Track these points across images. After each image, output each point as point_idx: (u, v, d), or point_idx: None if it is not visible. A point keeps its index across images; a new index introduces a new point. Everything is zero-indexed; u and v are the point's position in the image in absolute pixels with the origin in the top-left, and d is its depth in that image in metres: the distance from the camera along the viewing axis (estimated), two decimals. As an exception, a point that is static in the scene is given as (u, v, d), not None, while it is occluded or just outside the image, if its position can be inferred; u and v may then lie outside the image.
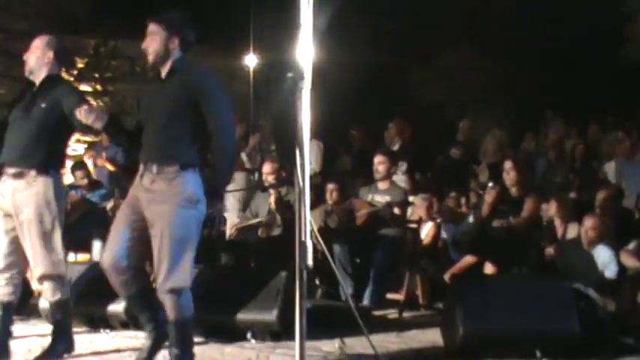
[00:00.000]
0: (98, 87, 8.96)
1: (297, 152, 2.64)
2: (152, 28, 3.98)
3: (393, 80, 10.78)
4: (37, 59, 4.50)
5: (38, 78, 4.51)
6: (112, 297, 5.01)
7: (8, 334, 4.44)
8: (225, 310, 4.98)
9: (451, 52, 11.97)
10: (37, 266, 4.36)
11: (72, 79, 8.80)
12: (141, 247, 3.93)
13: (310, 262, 2.73)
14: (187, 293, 3.89)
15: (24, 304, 6.15)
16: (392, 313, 6.14)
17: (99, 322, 5.43)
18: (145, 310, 4.09)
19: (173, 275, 3.81)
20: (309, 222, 2.66)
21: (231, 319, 4.94)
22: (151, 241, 3.86)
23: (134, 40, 8.44)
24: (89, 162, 8.16)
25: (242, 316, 4.93)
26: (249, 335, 4.94)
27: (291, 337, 4.08)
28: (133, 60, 9.00)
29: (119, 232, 3.97)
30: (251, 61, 11.06)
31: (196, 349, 4.04)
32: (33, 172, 4.32)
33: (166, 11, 4.06)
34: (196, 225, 3.91)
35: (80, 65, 8.76)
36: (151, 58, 3.98)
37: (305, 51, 2.72)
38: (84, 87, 8.19)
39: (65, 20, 8.56)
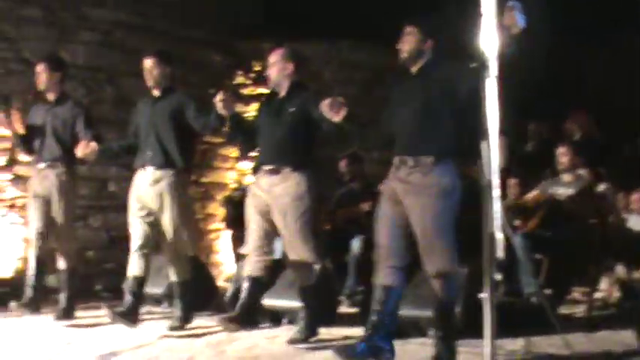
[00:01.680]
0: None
1: (484, 144, 2.59)
2: (408, 29, 4.24)
3: (572, 68, 10.34)
4: (278, 72, 5.03)
5: (283, 88, 5.05)
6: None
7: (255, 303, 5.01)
8: (405, 306, 4.92)
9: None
10: (288, 252, 4.95)
11: (249, 82, 9.08)
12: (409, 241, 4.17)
13: (501, 254, 2.67)
14: (453, 277, 4.10)
15: (211, 300, 6.54)
16: (578, 312, 5.91)
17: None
18: None
19: (440, 260, 4.03)
20: (498, 214, 2.60)
21: (413, 315, 4.99)
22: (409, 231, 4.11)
23: (307, 43, 8.68)
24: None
25: (424, 313, 4.92)
26: (430, 333, 4.89)
27: (473, 335, 4.49)
28: (308, 62, 9.14)
29: (389, 234, 4.19)
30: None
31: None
32: (288, 169, 4.88)
33: (423, 15, 4.33)
34: (453, 213, 4.10)
35: (257, 68, 9.00)
36: (404, 56, 4.24)
37: (488, 40, 2.66)
38: (262, 90, 8.40)
39: (241, 25, 8.84)
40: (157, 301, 6.60)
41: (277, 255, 7.39)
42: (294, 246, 4.90)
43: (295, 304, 5.46)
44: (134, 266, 5.50)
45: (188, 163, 5.59)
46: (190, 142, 5.66)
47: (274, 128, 4.98)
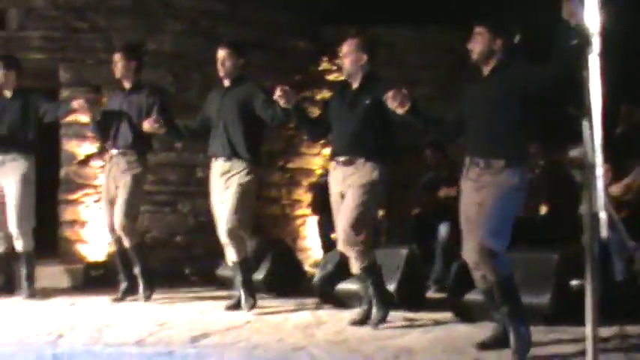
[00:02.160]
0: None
1: (585, 124, 2.52)
2: (478, 29, 4.20)
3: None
4: (352, 63, 5.04)
5: (356, 79, 5.05)
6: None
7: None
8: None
9: None
10: (343, 239, 4.98)
11: (334, 68, 9.06)
12: None
13: (605, 234, 2.59)
14: (502, 256, 4.03)
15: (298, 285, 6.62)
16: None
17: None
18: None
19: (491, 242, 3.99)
20: (601, 194, 2.53)
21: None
22: None
23: (391, 28, 8.62)
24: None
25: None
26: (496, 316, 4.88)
27: (564, 322, 4.65)
28: (392, 47, 9.06)
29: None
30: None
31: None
32: (362, 160, 4.93)
33: (494, 15, 4.30)
34: (514, 206, 4.10)
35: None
36: (474, 57, 4.22)
37: (591, 16, 2.58)
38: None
39: (325, 11, 8.81)
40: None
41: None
42: (347, 231, 4.91)
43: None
44: (227, 254, 5.70)
45: (255, 155, 5.67)
46: (259, 134, 5.73)
47: (348, 120, 5.02)
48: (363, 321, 5.03)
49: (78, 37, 7.77)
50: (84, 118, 7.10)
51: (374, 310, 5.03)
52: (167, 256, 7.64)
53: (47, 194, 7.61)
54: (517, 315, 4.05)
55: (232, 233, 5.59)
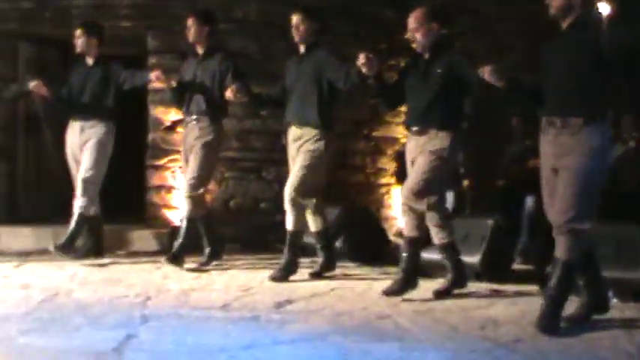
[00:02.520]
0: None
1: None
2: None
3: None
4: (423, 34, 4.98)
5: (428, 49, 4.99)
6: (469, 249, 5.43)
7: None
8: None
9: None
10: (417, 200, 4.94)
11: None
12: None
13: None
14: (582, 238, 3.94)
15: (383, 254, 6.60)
16: None
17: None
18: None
19: (574, 217, 3.90)
20: None
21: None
22: None
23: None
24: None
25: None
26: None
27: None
28: (477, 14, 8.86)
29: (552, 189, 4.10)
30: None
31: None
32: (434, 130, 4.90)
33: None
34: (598, 175, 3.98)
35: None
36: (552, 12, 4.08)
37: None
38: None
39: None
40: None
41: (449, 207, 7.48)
42: (408, 195, 4.91)
43: (467, 258, 5.45)
44: (286, 220, 5.73)
45: (327, 122, 5.62)
46: (333, 101, 5.67)
47: (420, 91, 4.99)
48: (447, 292, 4.98)
49: (166, 4, 7.83)
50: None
51: (450, 281, 5.01)
52: (251, 222, 7.71)
53: (135, 160, 7.78)
54: (560, 300, 3.99)
55: (293, 201, 5.63)
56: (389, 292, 4.90)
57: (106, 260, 6.46)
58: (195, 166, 6.11)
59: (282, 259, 5.70)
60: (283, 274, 5.58)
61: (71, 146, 6.63)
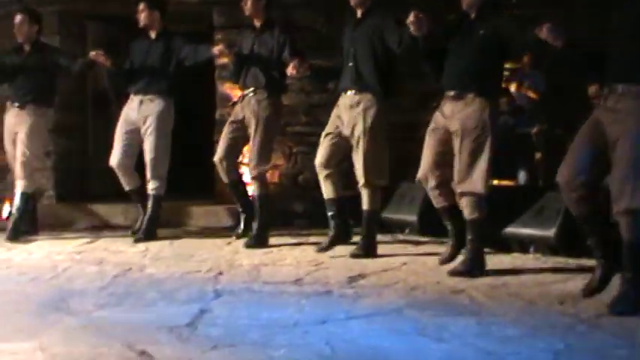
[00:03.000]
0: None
1: None
2: None
3: None
4: None
5: (474, 9, 4.80)
6: (544, 222, 5.36)
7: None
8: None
9: None
10: (458, 181, 4.73)
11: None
12: (599, 167, 3.88)
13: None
14: None
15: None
16: None
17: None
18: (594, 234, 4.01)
19: (631, 196, 3.66)
20: None
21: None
22: (611, 163, 3.79)
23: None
24: (511, 88, 8.11)
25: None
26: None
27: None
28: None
29: (579, 149, 3.95)
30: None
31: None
32: (472, 95, 4.65)
33: None
34: None
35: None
36: None
37: None
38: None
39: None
40: (400, 228, 6.61)
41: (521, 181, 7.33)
42: (464, 176, 4.69)
43: (543, 232, 5.34)
44: (323, 189, 5.67)
45: (387, 87, 5.45)
46: (391, 66, 5.49)
47: (461, 52, 4.78)
48: None
49: (230, -21, 7.80)
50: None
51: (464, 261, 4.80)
52: (319, 197, 7.66)
53: (204, 136, 7.79)
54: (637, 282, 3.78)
55: (366, 181, 5.45)
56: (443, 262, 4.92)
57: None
58: (257, 144, 6.06)
59: (361, 239, 5.55)
60: (363, 253, 5.46)
61: (126, 120, 6.56)
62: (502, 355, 3.04)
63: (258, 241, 5.98)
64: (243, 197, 6.39)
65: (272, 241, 6.09)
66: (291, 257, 5.48)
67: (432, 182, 4.89)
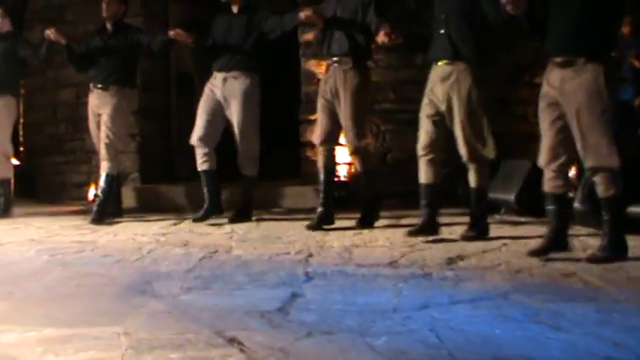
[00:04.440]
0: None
1: None
2: None
3: None
4: None
5: None
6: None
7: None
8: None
9: None
10: (586, 157, 4.23)
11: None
12: None
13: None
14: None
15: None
16: None
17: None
18: None
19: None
20: None
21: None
22: None
23: None
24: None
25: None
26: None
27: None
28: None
29: None
30: None
31: None
32: (582, 60, 4.19)
33: None
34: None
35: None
36: None
37: None
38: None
39: None
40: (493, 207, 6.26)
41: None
42: (594, 150, 4.18)
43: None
44: (421, 173, 5.24)
45: (481, 56, 5.05)
46: (485, 34, 5.08)
47: (568, 10, 4.28)
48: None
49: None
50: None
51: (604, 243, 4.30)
52: (408, 176, 7.35)
53: (289, 114, 7.59)
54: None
55: (471, 156, 5.07)
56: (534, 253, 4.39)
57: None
58: (349, 117, 5.68)
59: (472, 219, 5.20)
60: (476, 234, 5.12)
61: (210, 97, 6.35)
62: (632, 346, 2.69)
63: (368, 221, 5.76)
64: (329, 189, 5.95)
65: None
66: (383, 238, 5.21)
67: (553, 166, 4.41)
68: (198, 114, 6.37)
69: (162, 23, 8.21)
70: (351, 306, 3.31)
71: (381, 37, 5.38)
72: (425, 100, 5.20)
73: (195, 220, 6.13)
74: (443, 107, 5.10)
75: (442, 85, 5.09)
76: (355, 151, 5.77)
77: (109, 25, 6.68)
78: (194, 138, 6.31)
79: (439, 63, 5.14)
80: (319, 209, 5.82)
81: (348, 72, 5.69)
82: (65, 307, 3.33)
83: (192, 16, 8.20)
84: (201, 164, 6.35)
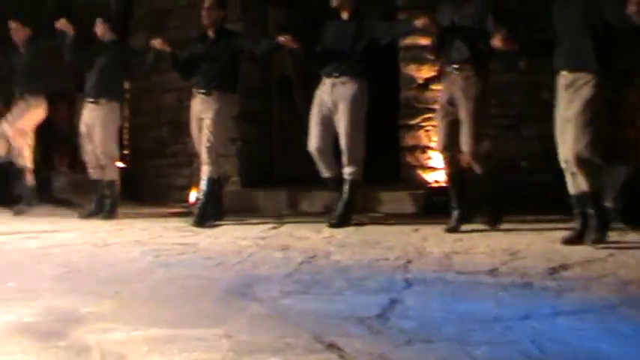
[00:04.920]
0: None
1: None
2: None
3: None
4: None
5: None
6: None
7: None
8: None
9: None
10: None
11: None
12: None
13: None
14: None
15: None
16: None
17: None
18: None
19: None
20: None
21: None
22: None
23: None
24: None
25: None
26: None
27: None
28: None
29: None
30: None
31: None
32: None
33: None
34: None
35: None
36: None
37: None
38: None
39: None
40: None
41: None
42: None
43: None
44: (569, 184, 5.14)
45: (606, 66, 4.94)
46: (609, 43, 4.98)
47: None
48: None
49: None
50: (423, 40, 6.92)
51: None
52: (511, 181, 7.22)
53: (388, 119, 7.56)
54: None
55: (580, 160, 4.95)
56: None
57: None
58: (470, 125, 5.68)
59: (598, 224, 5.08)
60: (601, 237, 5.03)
61: (320, 103, 6.41)
62: None
63: (490, 223, 5.76)
64: (460, 192, 5.95)
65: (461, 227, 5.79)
66: (483, 245, 5.13)
67: None
68: (311, 122, 6.44)
69: (262, 28, 8.32)
70: (450, 314, 3.27)
71: (496, 43, 5.33)
72: (557, 114, 5.18)
73: (332, 225, 6.16)
74: (568, 114, 5.06)
75: (566, 93, 5.05)
76: (474, 156, 5.74)
77: (210, 32, 6.81)
78: (311, 147, 6.39)
79: (562, 72, 5.09)
80: (455, 212, 5.88)
81: (468, 79, 5.69)
82: (168, 308, 3.41)
83: (291, 20, 8.28)
84: (325, 171, 6.43)
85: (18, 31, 7.82)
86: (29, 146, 7.78)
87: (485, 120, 5.96)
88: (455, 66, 5.74)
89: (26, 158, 7.75)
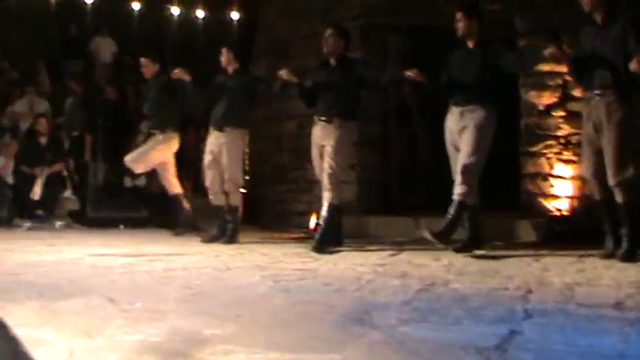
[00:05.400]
0: None
1: None
2: None
3: None
4: None
5: None
6: None
7: None
8: None
9: None
10: None
11: None
12: None
13: None
14: None
15: None
16: None
17: None
18: None
19: None
20: None
21: None
22: None
23: None
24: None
25: None
26: None
27: None
28: None
29: None
30: None
31: None
32: None
33: None
34: None
35: None
36: None
37: None
38: None
39: None
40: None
41: None
42: None
43: None
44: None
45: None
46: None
47: None
48: None
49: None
50: (545, 67, 6.82)
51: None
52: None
53: (509, 146, 7.47)
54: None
55: (620, 183, 5.26)
56: None
57: (482, 251, 6.23)
58: (613, 151, 5.60)
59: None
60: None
61: (450, 132, 6.42)
62: None
63: (629, 258, 5.57)
64: (613, 219, 5.81)
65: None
66: (607, 276, 4.97)
67: None
68: (448, 151, 6.43)
69: (383, 56, 8.39)
70: (572, 347, 3.19)
71: (634, 66, 5.24)
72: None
73: (456, 250, 6.15)
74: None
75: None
76: (617, 184, 5.63)
77: (332, 60, 6.93)
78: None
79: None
80: (609, 238, 5.83)
81: (611, 105, 5.61)
82: (287, 333, 3.47)
83: (411, 48, 8.31)
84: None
85: (148, 67, 8.20)
86: (172, 174, 8.16)
87: (629, 146, 5.77)
88: (597, 92, 5.66)
89: (173, 185, 8.15)
